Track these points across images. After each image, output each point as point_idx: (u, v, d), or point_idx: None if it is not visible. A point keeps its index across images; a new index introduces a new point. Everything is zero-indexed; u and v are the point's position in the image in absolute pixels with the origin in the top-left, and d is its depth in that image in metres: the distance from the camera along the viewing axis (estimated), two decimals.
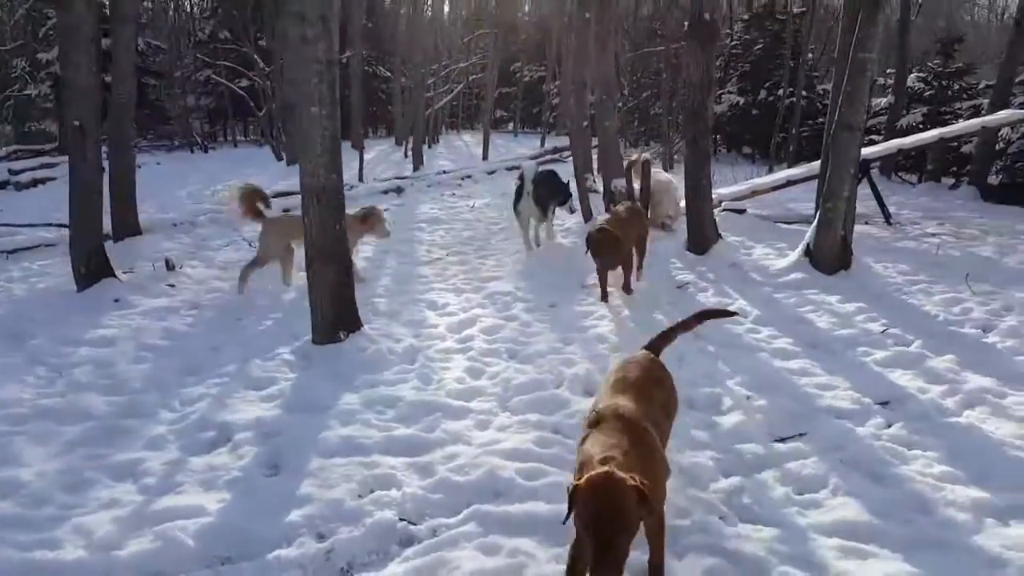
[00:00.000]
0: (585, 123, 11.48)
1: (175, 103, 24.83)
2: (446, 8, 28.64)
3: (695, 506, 2.97)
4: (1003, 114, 10.56)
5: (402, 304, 6.05)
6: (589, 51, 11.18)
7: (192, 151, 23.80)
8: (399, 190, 13.82)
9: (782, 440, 3.56)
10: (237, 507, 3.07)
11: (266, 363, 4.69)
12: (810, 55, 19.14)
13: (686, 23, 8.15)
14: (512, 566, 2.65)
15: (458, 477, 3.25)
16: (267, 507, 3.06)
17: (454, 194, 13.96)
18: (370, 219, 6.75)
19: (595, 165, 11.99)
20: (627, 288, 6.18)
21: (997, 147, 11.49)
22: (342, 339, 4.85)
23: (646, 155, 8.53)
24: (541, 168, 8.96)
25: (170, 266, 6.91)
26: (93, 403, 4.06)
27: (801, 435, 3.58)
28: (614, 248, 5.77)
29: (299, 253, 5.63)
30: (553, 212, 8.62)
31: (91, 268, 6.13)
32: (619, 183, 9.29)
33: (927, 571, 2.53)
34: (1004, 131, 11.01)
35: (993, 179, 11.74)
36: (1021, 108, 10.86)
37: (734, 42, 20.96)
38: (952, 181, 12.87)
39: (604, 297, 6.01)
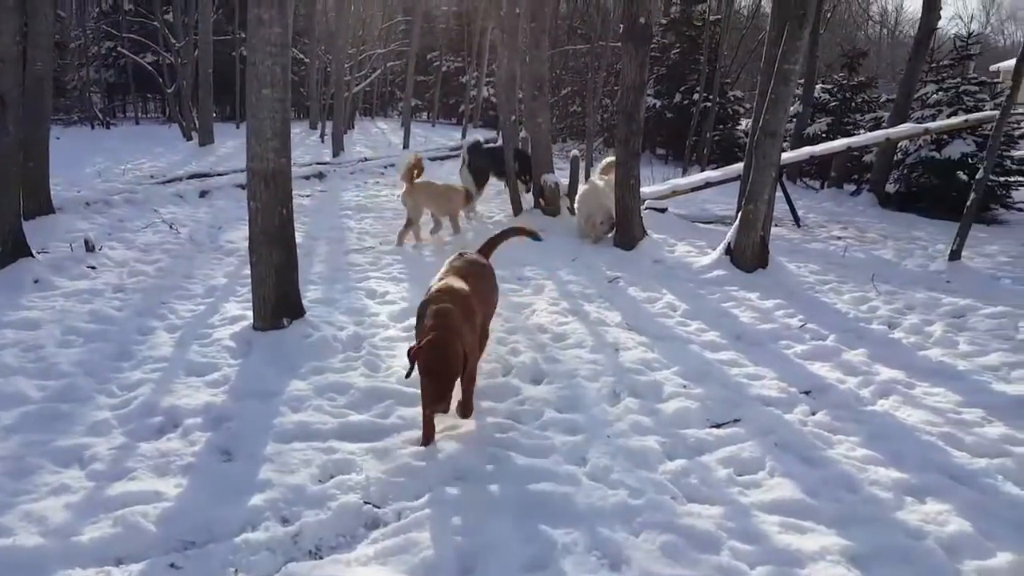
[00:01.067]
0: (513, 117, 11.64)
1: (74, 75, 23.46)
2: None
3: (647, 486, 3.15)
4: (905, 127, 11.41)
5: (340, 292, 6.01)
6: (519, 47, 11.34)
7: (93, 127, 22.55)
8: (320, 176, 13.57)
9: (719, 426, 3.80)
10: (196, 492, 3.04)
11: (205, 348, 4.60)
12: (724, 62, 19.91)
13: (621, 26, 8.40)
14: (480, 545, 2.75)
15: (418, 462, 3.32)
16: (227, 492, 3.05)
17: (378, 182, 13.83)
18: (470, 196, 7.92)
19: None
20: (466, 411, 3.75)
21: (895, 157, 12.38)
22: (285, 325, 4.80)
23: (608, 159, 8.83)
24: (487, 143, 9.45)
25: (90, 247, 6.61)
26: (24, 387, 3.89)
27: (736, 421, 3.84)
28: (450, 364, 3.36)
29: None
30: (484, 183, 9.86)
31: (7, 248, 5.79)
32: (549, 178, 9.50)
33: (858, 544, 2.80)
34: (902, 143, 11.88)
35: (891, 187, 12.64)
36: (919, 122, 11.73)
37: (652, 46, 21.57)
38: (853, 188, 13.76)
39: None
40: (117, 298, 5.61)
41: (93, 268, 6.26)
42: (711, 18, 19.79)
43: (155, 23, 20.97)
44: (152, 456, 3.31)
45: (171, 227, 8.15)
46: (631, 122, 7.94)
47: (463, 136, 24.58)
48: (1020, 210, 11.42)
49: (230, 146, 17.10)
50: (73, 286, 5.76)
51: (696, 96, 18.25)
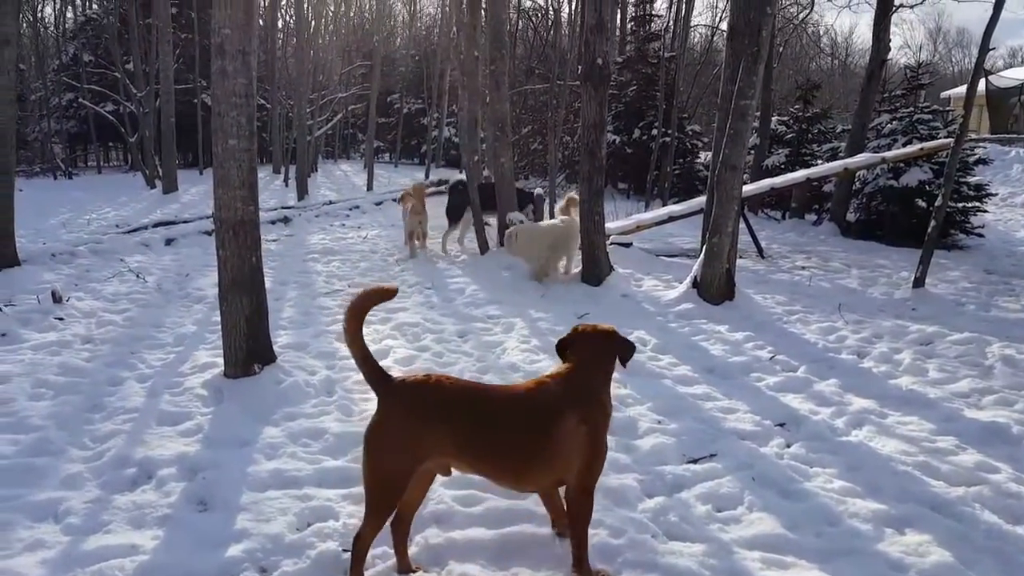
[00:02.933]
0: (476, 157, 11.77)
1: (34, 126, 23.27)
2: (324, 38, 28.32)
3: (627, 525, 3.14)
4: (862, 157, 11.75)
5: (310, 337, 5.96)
6: (479, 89, 11.52)
7: (55, 177, 22.27)
8: (286, 220, 13.52)
9: (695, 461, 3.82)
10: (173, 544, 2.98)
11: (176, 398, 4.52)
12: (680, 97, 20.38)
13: (579, 67, 8.59)
14: None
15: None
16: (204, 543, 2.99)
17: (344, 224, 13.81)
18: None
19: None
20: None
21: (854, 187, 12.71)
22: (257, 372, 4.75)
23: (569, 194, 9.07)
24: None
25: (56, 298, 6.47)
26: None
27: (712, 456, 3.86)
28: None
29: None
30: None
31: None
32: (514, 216, 9.57)
33: None
34: (861, 172, 12.22)
35: (851, 216, 12.92)
36: (875, 151, 12.09)
37: (610, 84, 22.04)
38: (815, 218, 14.06)
39: None
40: (86, 349, 5.51)
41: (61, 319, 6.14)
42: (666, 55, 20.28)
43: (116, 73, 20.91)
44: (127, 508, 3.25)
45: (138, 276, 8.03)
46: (593, 159, 8.07)
47: (427, 176, 24.73)
48: (979, 235, 11.75)
49: (194, 193, 16.99)
50: (41, 338, 5.64)
51: (655, 131, 18.62)
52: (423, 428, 2.62)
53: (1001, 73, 28.26)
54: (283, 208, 14.59)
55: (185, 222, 11.66)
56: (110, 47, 22.12)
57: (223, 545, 2.96)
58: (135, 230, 10.77)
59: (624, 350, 2.91)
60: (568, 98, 20.43)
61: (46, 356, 5.25)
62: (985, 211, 12.25)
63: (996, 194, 11.60)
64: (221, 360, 4.85)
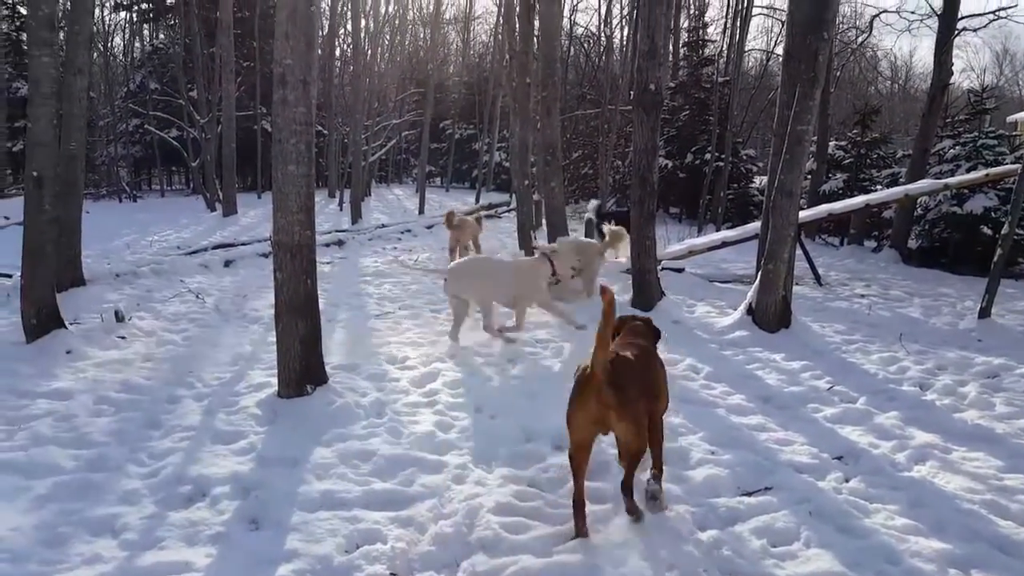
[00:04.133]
0: (527, 182, 11.85)
1: (102, 151, 24.37)
2: (380, 67, 29.04)
3: (679, 559, 3.06)
4: (924, 183, 11.41)
5: (361, 358, 6.03)
6: (529, 114, 11.64)
7: (120, 200, 23.20)
8: (340, 243, 13.78)
9: (750, 494, 3.70)
10: (224, 562, 3.04)
11: (231, 417, 4.62)
12: (734, 121, 20.20)
13: (631, 93, 8.59)
14: None
15: (443, 532, 3.27)
16: (255, 562, 3.04)
17: (395, 248, 14.00)
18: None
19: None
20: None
21: (916, 213, 12.34)
22: (309, 392, 4.82)
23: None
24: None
25: (119, 317, 6.70)
26: (58, 457, 3.92)
27: (767, 489, 3.74)
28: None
29: None
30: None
31: (41, 319, 5.91)
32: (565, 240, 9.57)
33: None
34: (922, 199, 11.86)
35: (913, 243, 12.55)
36: (937, 177, 11.74)
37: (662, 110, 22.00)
38: (874, 244, 13.69)
39: None
40: (146, 367, 5.67)
41: (123, 338, 6.35)
42: (719, 80, 20.15)
43: (180, 101, 21.77)
44: (182, 525, 3.31)
45: (197, 296, 8.27)
46: (645, 184, 8.02)
47: (477, 200, 24.97)
48: None
49: (252, 216, 17.48)
50: (104, 356, 5.84)
51: (708, 156, 18.46)
52: None
53: None
54: (337, 231, 14.89)
55: (243, 244, 11.97)
56: (175, 75, 23.11)
57: (274, 564, 2.99)
58: (195, 252, 11.09)
59: (657, 334, 3.90)
60: (619, 122, 20.45)
61: (108, 373, 5.42)
62: None
63: None
64: (275, 380, 4.94)
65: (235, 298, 8.46)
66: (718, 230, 14.57)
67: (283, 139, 4.57)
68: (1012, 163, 11.37)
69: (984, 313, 7.45)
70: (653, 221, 8.25)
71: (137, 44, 32.07)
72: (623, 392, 3.13)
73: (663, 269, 9.53)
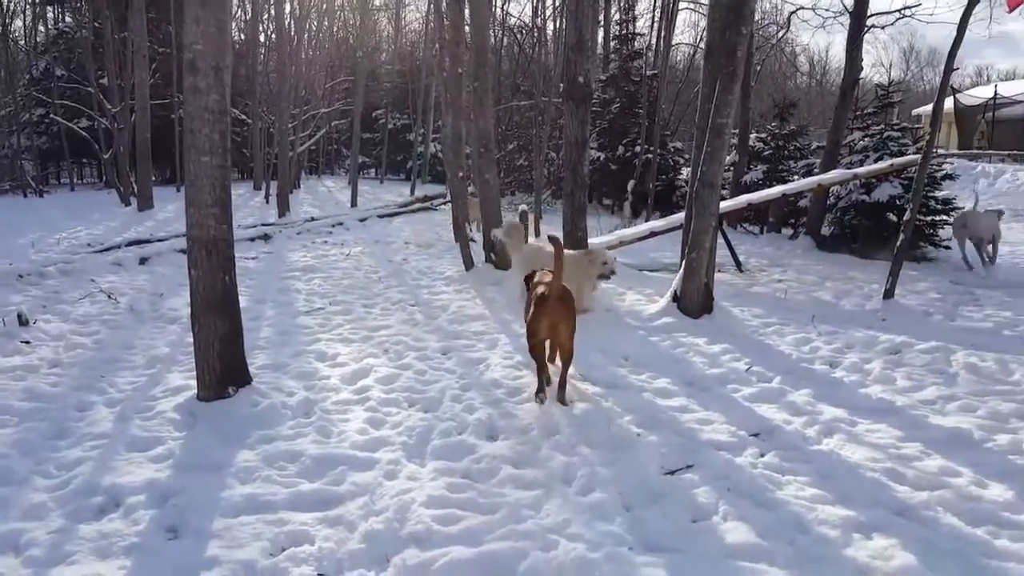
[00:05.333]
0: (461, 174, 11.81)
1: (3, 143, 22.97)
2: (308, 53, 28.40)
3: (605, 539, 3.15)
4: (835, 173, 11.90)
5: (289, 356, 5.92)
6: (462, 105, 11.58)
7: (25, 195, 21.99)
8: (266, 237, 13.44)
9: (673, 472, 3.83)
10: (140, 574, 2.94)
11: (147, 422, 4.46)
12: (662, 115, 20.56)
13: (562, 85, 8.67)
14: None
15: (374, 528, 3.27)
16: (172, 572, 2.97)
17: (326, 241, 13.76)
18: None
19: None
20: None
21: (829, 202, 12.88)
22: (231, 394, 4.71)
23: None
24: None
25: (23, 320, 6.39)
26: None
27: (689, 467, 3.88)
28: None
29: None
30: None
31: None
32: (498, 232, 9.60)
33: None
34: (834, 188, 12.38)
35: (826, 230, 13.07)
36: (848, 167, 12.27)
37: (593, 101, 22.26)
38: (791, 232, 14.21)
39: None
40: (53, 373, 5.41)
41: (27, 343, 6.04)
42: (648, 72, 20.49)
43: (89, 88, 20.74)
44: (93, 538, 3.19)
45: (110, 297, 7.94)
46: (576, 176, 8.13)
47: (412, 192, 24.78)
48: (947, 247, 11.95)
49: (170, 210, 16.85)
50: (6, 363, 5.53)
51: (638, 148, 18.77)
52: None
53: (968, 91, 28.88)
54: (263, 225, 14.51)
55: (160, 240, 11.47)
56: (83, 61, 21.91)
57: (193, 573, 2.93)
58: (108, 249, 10.55)
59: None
60: (553, 114, 20.56)
61: (10, 381, 5.13)
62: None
63: (963, 208, 11.78)
64: (195, 383, 4.80)
65: (151, 297, 8.16)
66: (647, 221, 14.83)
67: (195, 129, 4.43)
68: (914, 153, 11.97)
69: (888, 294, 7.86)
70: (584, 213, 8.37)
71: (41, 27, 30.37)
72: (567, 310, 4.72)
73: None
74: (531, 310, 4.79)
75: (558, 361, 4.99)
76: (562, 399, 4.74)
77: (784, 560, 3.01)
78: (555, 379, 4.87)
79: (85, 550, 3.09)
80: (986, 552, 3.10)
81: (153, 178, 18.93)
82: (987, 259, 10.34)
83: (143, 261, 10.23)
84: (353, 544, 3.18)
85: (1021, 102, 24.09)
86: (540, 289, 4.77)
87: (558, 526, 3.26)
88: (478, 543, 3.13)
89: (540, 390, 4.81)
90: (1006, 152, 22.88)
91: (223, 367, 4.71)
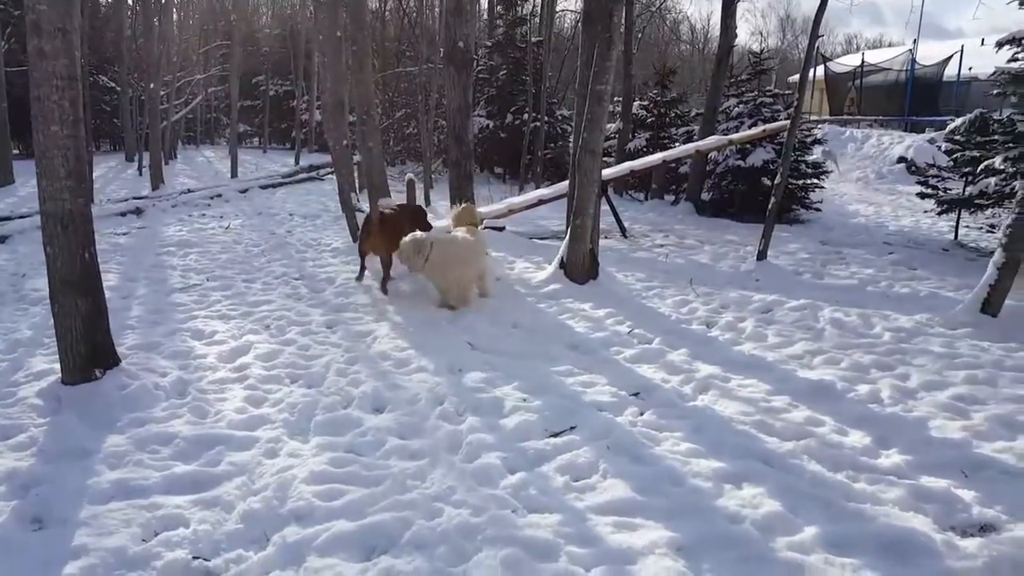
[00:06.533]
0: (345, 142, 11.49)
1: None
2: (178, 16, 26.75)
3: (489, 503, 3.20)
4: (712, 139, 12.39)
5: (162, 336, 5.63)
6: (343, 70, 11.24)
7: None
8: (138, 211, 12.63)
9: (556, 435, 3.93)
10: (2, 568, 2.76)
11: (8, 410, 4.16)
12: (549, 82, 20.67)
13: (441, 51, 8.55)
14: None
15: (252, 508, 3.19)
16: (37, 564, 2.81)
17: (204, 215, 13.10)
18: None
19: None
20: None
21: (707, 167, 13.40)
22: (98, 377, 4.45)
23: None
24: None
25: None
26: None
27: (572, 428, 3.99)
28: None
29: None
30: None
31: None
32: (386, 202, 9.43)
33: (684, 534, 2.99)
34: (712, 154, 12.88)
35: (705, 195, 13.64)
36: (724, 134, 12.78)
37: (480, 67, 22.10)
38: (673, 198, 14.72)
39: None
40: None
41: None
42: (533, 39, 20.48)
43: None
44: None
45: None
46: (461, 144, 8.09)
47: (296, 162, 23.93)
48: (817, 209, 12.73)
49: (33, 185, 15.48)
50: None
51: (526, 116, 18.84)
52: None
53: (838, 59, 30.60)
54: (135, 199, 13.63)
55: (21, 217, 10.66)
56: None
57: (58, 564, 2.78)
58: None
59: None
60: (440, 81, 20.26)
61: None
62: (822, 187, 13.27)
63: (832, 171, 12.57)
64: (59, 366, 4.51)
65: (12, 278, 7.57)
66: (537, 189, 14.97)
67: (43, 96, 4.09)
68: (785, 119, 12.60)
69: (761, 256, 8.32)
70: (471, 182, 8.35)
71: None
72: (385, 235, 6.87)
73: (485, 228, 9.67)
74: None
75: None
76: (385, 291, 6.96)
77: (659, 513, 3.15)
78: None
79: None
80: (845, 495, 3.32)
81: (16, 151, 17.36)
82: None
83: (2, 240, 9.49)
84: (230, 525, 3.09)
85: (886, 69, 25.67)
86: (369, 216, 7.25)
87: (443, 493, 3.29)
88: (362, 516, 3.11)
89: (362, 268, 7.50)
90: (872, 117, 24.46)
91: (88, 349, 4.43)
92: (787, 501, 3.23)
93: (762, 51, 15.10)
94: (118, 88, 23.84)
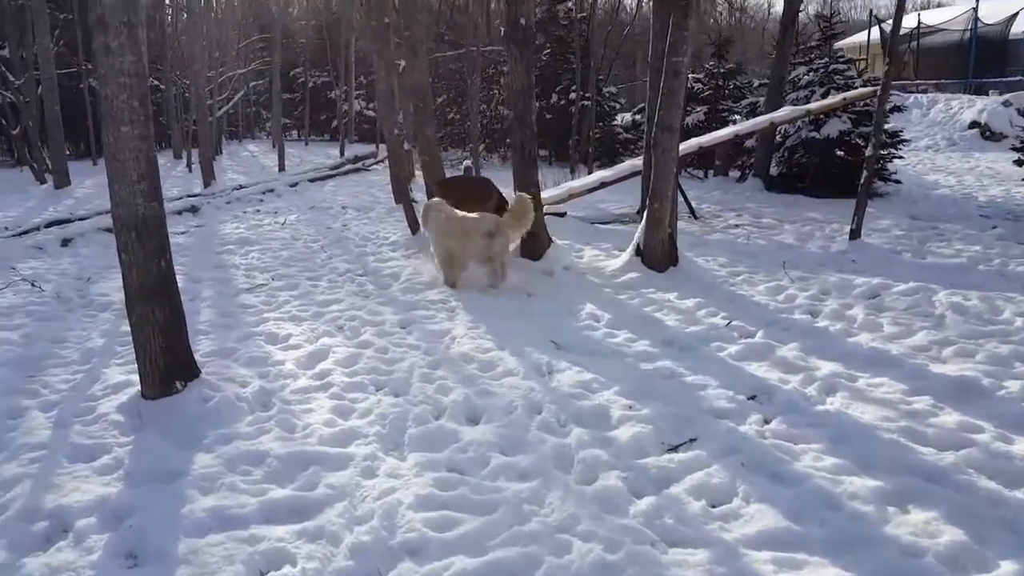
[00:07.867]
0: (396, 131, 11.20)
1: None
2: (219, 11, 26.68)
3: (622, 535, 2.85)
4: (787, 110, 11.69)
5: (236, 341, 5.41)
6: (393, 58, 10.92)
7: None
8: (194, 209, 12.55)
9: (676, 448, 3.57)
10: None
11: (89, 428, 3.94)
12: (594, 60, 20.06)
13: (502, 29, 8.15)
14: None
15: (360, 540, 2.90)
16: None
17: (258, 210, 12.97)
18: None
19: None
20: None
21: (776, 141, 12.72)
22: (179, 389, 4.22)
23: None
24: None
25: None
26: None
27: (692, 441, 3.62)
28: None
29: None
30: None
31: None
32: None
33: (859, 571, 2.60)
34: (781, 126, 12.20)
35: (774, 170, 12.94)
36: (795, 104, 12.09)
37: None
38: (738, 174, 14.07)
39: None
40: None
41: None
42: (577, 16, 19.90)
43: None
44: (42, 573, 2.74)
45: (33, 284, 7.19)
46: (524, 127, 7.68)
47: (341, 153, 23.80)
48: (897, 182, 12.01)
49: (89, 185, 15.69)
50: None
51: (572, 95, 18.30)
52: None
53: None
54: (189, 196, 13.58)
55: (82, 219, 10.62)
56: None
57: None
58: (26, 232, 9.70)
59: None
60: (483, 64, 19.85)
61: None
62: (900, 157, 12.53)
63: (909, 140, 11.83)
64: (137, 378, 4.29)
65: (78, 283, 7.43)
66: (590, 171, 14.48)
67: (111, 95, 3.82)
68: (861, 86, 11.89)
69: (855, 235, 7.76)
70: (536, 165, 7.95)
71: None
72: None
73: (545, 215, 9.30)
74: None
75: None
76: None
77: (821, 545, 2.76)
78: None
79: None
80: None
81: (68, 152, 17.51)
82: None
83: (65, 243, 9.41)
84: (340, 560, 2.81)
85: (944, 30, 24.43)
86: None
87: (566, 523, 2.95)
88: (482, 551, 2.80)
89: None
90: (932, 81, 23.31)
91: (167, 361, 4.20)
92: (968, 527, 2.80)
93: (832, 14, 14.27)
94: (162, 86, 23.96)
